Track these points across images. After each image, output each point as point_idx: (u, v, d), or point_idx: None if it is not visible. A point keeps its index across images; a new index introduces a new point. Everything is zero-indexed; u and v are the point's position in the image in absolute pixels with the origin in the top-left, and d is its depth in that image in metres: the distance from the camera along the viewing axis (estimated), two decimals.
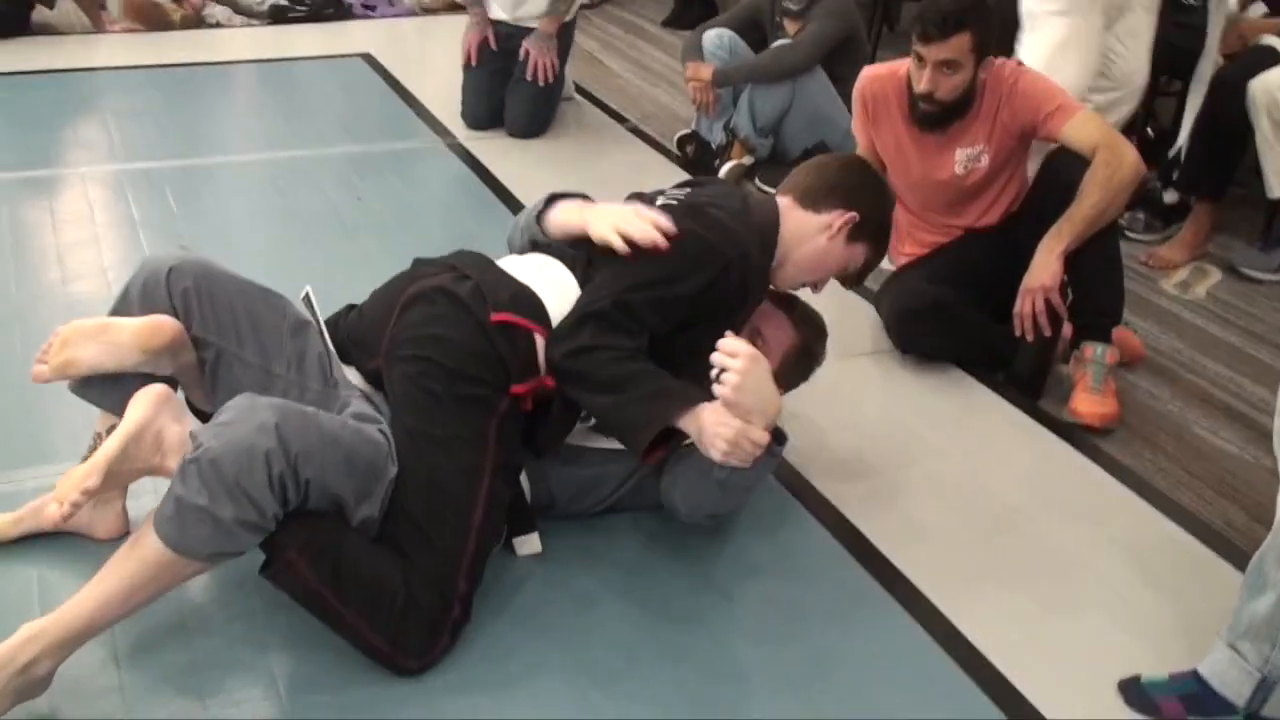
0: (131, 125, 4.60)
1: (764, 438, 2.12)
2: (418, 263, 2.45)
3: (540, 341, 2.25)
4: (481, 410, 2.20)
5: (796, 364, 2.63)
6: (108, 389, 2.23)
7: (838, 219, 2.48)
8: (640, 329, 2.26)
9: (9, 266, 3.42)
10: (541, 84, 4.62)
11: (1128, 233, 4.02)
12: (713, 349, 2.12)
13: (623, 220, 2.31)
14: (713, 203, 2.43)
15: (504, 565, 2.33)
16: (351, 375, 2.32)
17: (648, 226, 2.28)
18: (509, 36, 4.67)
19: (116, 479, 1.96)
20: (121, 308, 2.25)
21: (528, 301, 2.28)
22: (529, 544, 2.37)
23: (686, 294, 2.28)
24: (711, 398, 2.12)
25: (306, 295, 2.37)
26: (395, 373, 2.24)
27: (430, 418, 2.18)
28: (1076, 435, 2.91)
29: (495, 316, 2.22)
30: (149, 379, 2.18)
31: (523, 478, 2.36)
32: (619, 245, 2.27)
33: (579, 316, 2.24)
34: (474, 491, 2.15)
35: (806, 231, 2.49)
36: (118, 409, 2.17)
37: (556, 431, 2.35)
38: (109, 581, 1.92)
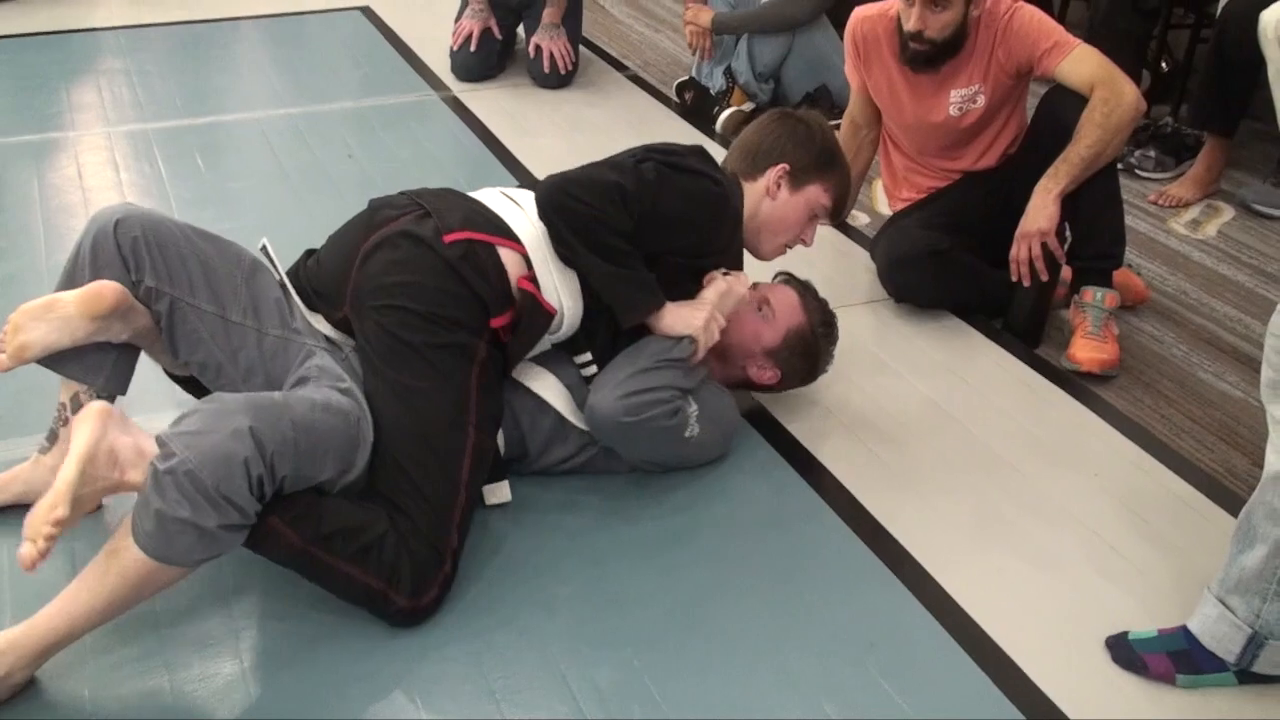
0: (125, 86, 4.55)
1: (723, 322, 2.42)
2: (374, 204, 2.41)
3: (507, 254, 2.28)
4: (463, 359, 2.20)
5: (801, 353, 2.59)
6: (68, 357, 2.17)
7: (771, 177, 2.55)
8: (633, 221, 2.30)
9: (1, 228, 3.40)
10: (562, 72, 4.54)
11: (1138, 171, 3.92)
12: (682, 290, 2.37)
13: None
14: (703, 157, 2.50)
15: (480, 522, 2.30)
16: (318, 323, 2.30)
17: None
18: None
19: (82, 504, 1.90)
20: (73, 267, 2.19)
21: (482, 219, 2.30)
22: (498, 493, 2.37)
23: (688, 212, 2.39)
24: None
25: (264, 247, 2.33)
26: (368, 324, 2.22)
27: (411, 369, 2.16)
28: (1074, 383, 2.83)
29: (447, 237, 2.23)
30: (107, 347, 2.17)
31: (530, 404, 2.38)
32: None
33: (596, 179, 2.29)
34: (461, 444, 2.15)
35: (755, 201, 2.56)
36: (81, 376, 2.18)
37: (521, 345, 2.33)
38: (88, 593, 1.88)
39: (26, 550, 1.79)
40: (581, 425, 2.38)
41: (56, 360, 2.17)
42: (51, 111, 4.32)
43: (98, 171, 3.81)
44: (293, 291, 2.28)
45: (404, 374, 2.16)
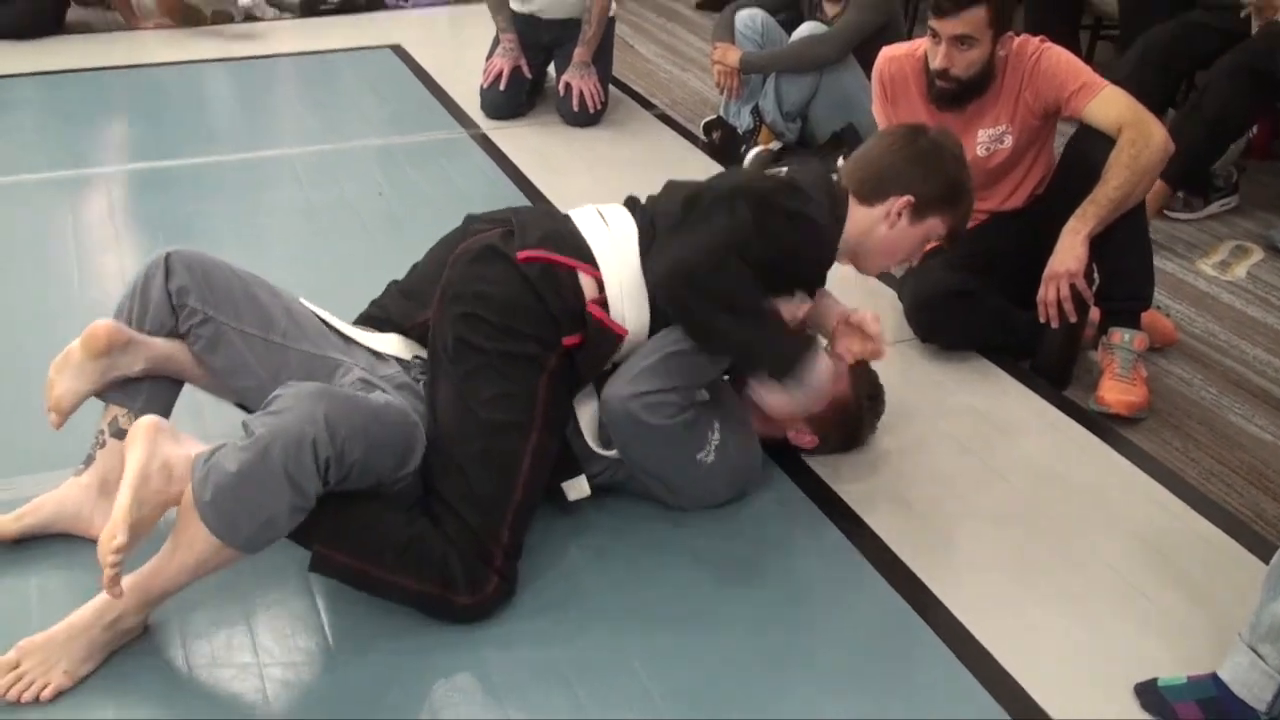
0: (158, 122, 4.60)
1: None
2: (469, 218, 2.50)
3: (585, 280, 2.31)
4: (531, 369, 2.25)
5: (841, 424, 2.62)
6: (105, 386, 2.28)
7: (893, 207, 2.48)
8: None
9: (27, 269, 3.43)
10: (591, 111, 4.57)
11: (1166, 212, 3.90)
12: None
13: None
14: (814, 185, 2.45)
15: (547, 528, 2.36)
16: (387, 344, 2.40)
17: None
18: (528, 27, 4.63)
19: (141, 526, 1.96)
20: (126, 302, 2.32)
21: (562, 240, 2.34)
22: (577, 488, 2.41)
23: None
24: None
25: (302, 306, 2.44)
26: (446, 327, 2.28)
27: (479, 374, 2.23)
28: (1103, 425, 2.82)
29: (521, 255, 2.27)
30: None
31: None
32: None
33: (697, 249, 2.27)
34: (521, 447, 2.21)
35: (868, 225, 2.51)
36: (120, 400, 2.30)
37: (591, 365, 2.37)
38: (177, 558, 1.98)
39: (103, 578, 1.90)
40: (603, 452, 2.40)
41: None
42: (85, 148, 4.38)
43: (129, 207, 3.85)
44: (336, 324, 2.40)
45: (472, 378, 2.23)
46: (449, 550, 2.11)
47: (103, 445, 2.29)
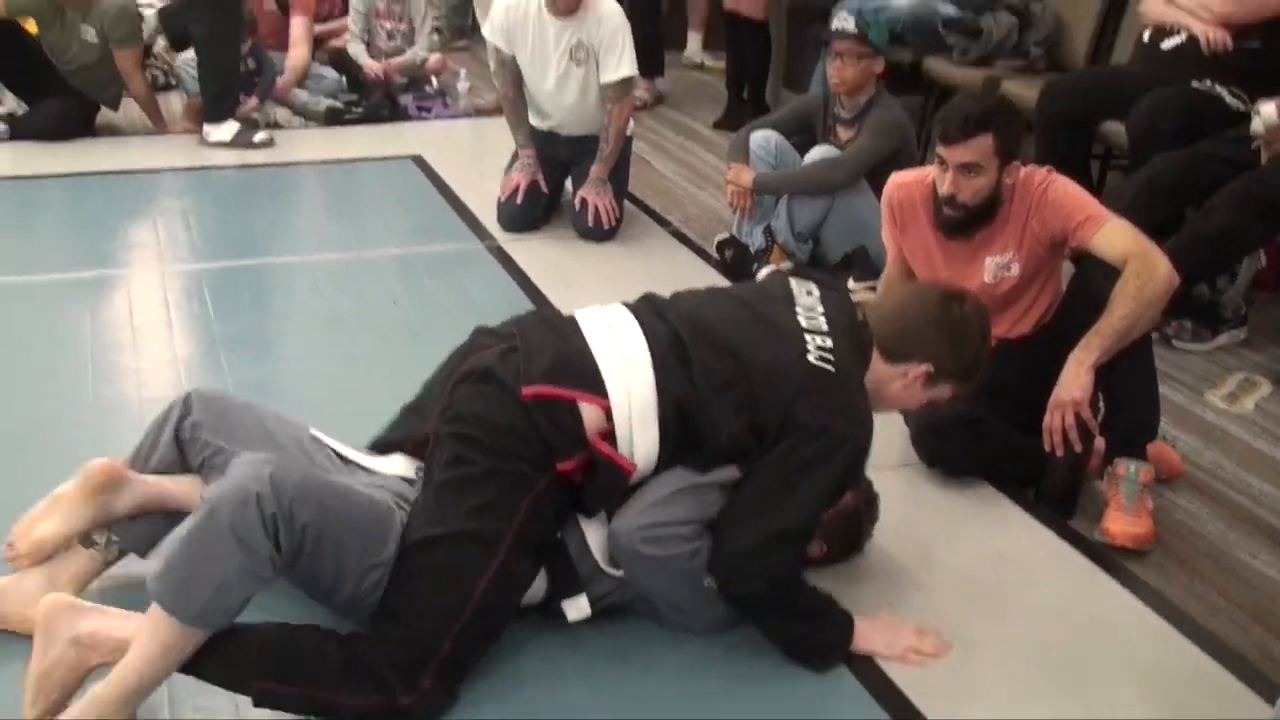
0: (180, 226, 4.69)
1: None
2: (477, 332, 2.49)
3: (585, 410, 2.26)
4: (518, 487, 2.22)
5: (843, 530, 2.64)
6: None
7: (912, 371, 2.48)
8: None
9: (41, 367, 3.47)
10: (606, 227, 4.64)
11: (1174, 342, 3.92)
12: None
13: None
14: (855, 374, 2.41)
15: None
16: (389, 463, 2.43)
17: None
18: (547, 143, 4.71)
19: (57, 708, 2.03)
20: (143, 439, 2.42)
21: (570, 369, 2.29)
22: (577, 607, 2.39)
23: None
24: None
25: (314, 436, 2.49)
26: (441, 446, 2.28)
27: (462, 486, 2.21)
28: (1107, 557, 2.80)
29: (526, 391, 2.23)
30: None
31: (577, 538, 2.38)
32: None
33: (775, 533, 2.27)
34: (484, 563, 2.17)
35: (885, 380, 2.50)
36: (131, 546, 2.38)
37: (599, 499, 2.36)
38: (142, 650, 1.98)
39: None
40: (613, 572, 2.39)
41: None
42: (108, 249, 4.45)
43: (148, 310, 3.90)
44: (346, 452, 2.45)
45: (452, 487, 2.22)
46: (378, 654, 2.11)
47: (67, 548, 2.34)
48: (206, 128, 5.68)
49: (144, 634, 1.99)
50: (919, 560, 2.76)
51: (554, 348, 2.33)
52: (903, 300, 2.63)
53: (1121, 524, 2.84)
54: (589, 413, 2.27)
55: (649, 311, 2.43)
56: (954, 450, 3.05)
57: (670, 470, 2.35)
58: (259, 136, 5.69)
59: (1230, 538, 2.92)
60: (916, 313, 2.52)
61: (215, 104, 5.64)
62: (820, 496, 2.33)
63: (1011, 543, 2.86)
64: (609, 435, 2.28)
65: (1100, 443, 3.00)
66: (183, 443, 2.37)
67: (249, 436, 2.35)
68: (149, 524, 2.36)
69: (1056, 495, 2.99)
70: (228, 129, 5.65)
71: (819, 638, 2.38)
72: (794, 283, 2.52)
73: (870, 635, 2.40)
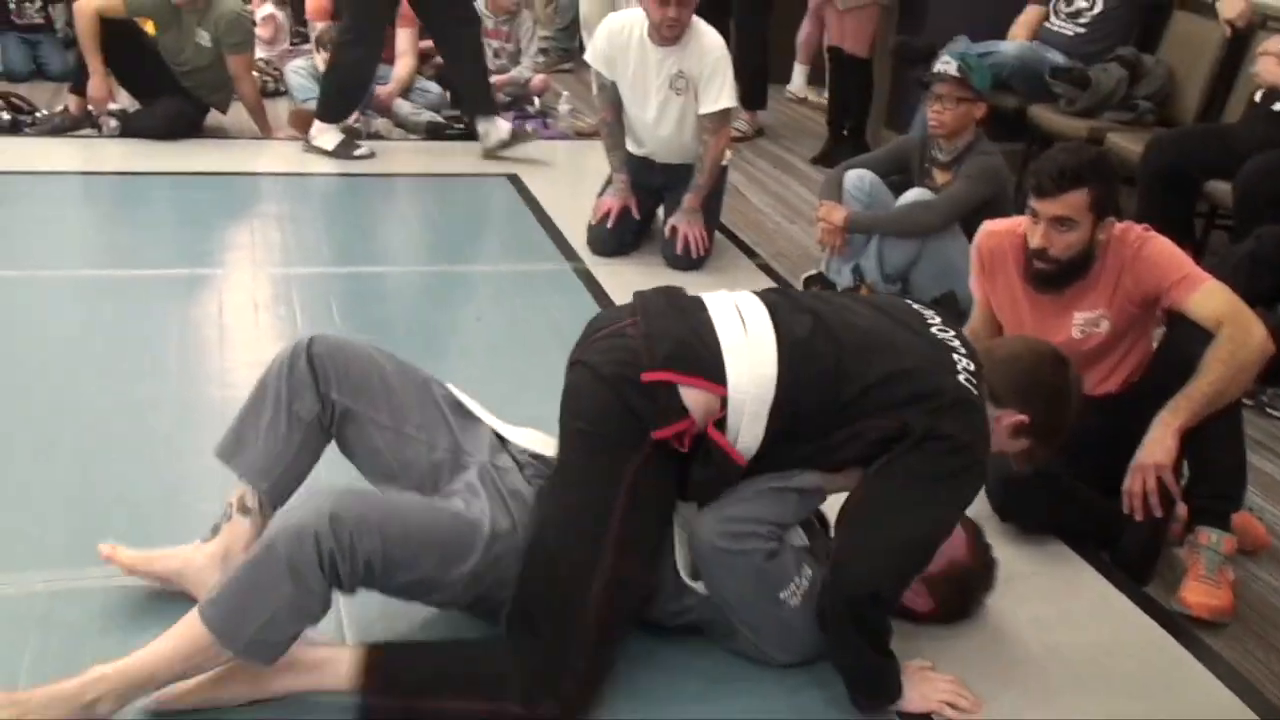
0: (276, 231, 4.77)
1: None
2: (598, 316, 2.50)
3: (699, 395, 2.24)
4: (618, 457, 2.23)
5: (958, 589, 2.60)
6: (244, 451, 2.42)
7: (1007, 418, 2.43)
8: None
9: (129, 360, 3.54)
10: (694, 256, 4.63)
11: (1269, 410, 3.81)
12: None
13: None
14: (982, 396, 2.37)
15: None
16: (525, 436, 2.48)
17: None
18: (641, 169, 4.72)
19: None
20: (263, 384, 2.43)
21: (693, 355, 2.26)
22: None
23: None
24: None
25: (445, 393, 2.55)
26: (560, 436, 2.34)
27: (564, 480, 2.28)
28: (1182, 627, 2.72)
29: (647, 376, 2.22)
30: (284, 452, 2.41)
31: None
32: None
33: (908, 537, 2.24)
34: (590, 561, 2.18)
35: None
36: (251, 477, 2.42)
37: (707, 492, 2.35)
38: (166, 649, 2.05)
39: None
40: (692, 584, 2.37)
41: (230, 454, 2.43)
42: (204, 248, 4.53)
43: (236, 311, 3.96)
44: (480, 414, 2.50)
45: (556, 484, 2.28)
46: (512, 658, 2.14)
47: (229, 519, 2.42)
48: (315, 125, 5.77)
49: (177, 637, 2.05)
50: (983, 616, 2.69)
51: (674, 333, 2.29)
52: (1018, 350, 2.57)
53: (1200, 594, 2.76)
54: (703, 398, 2.24)
55: (787, 305, 2.40)
56: (1030, 506, 2.99)
57: (752, 477, 2.35)
58: (360, 150, 5.77)
59: None
60: (1031, 365, 2.49)
61: (329, 102, 5.75)
62: (955, 511, 2.33)
63: (1082, 604, 2.79)
64: (721, 423, 2.27)
65: (1182, 509, 2.92)
66: (319, 392, 2.39)
67: (374, 397, 2.40)
68: (297, 473, 2.43)
69: (1133, 560, 2.91)
70: (332, 137, 5.74)
71: (883, 678, 2.33)
72: (917, 305, 2.53)
73: (905, 689, 2.36)
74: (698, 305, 2.39)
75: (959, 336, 2.44)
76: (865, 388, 2.27)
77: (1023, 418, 2.43)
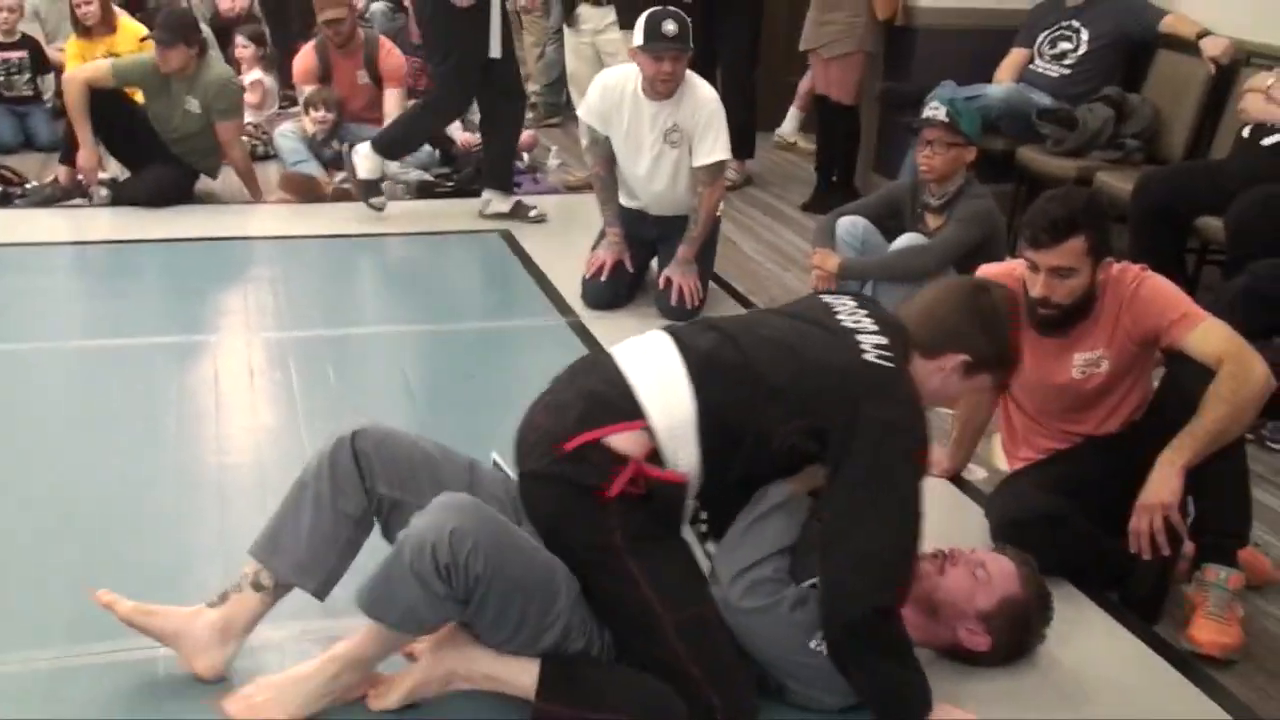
0: (269, 295, 4.76)
1: None
2: (520, 426, 2.49)
3: (625, 438, 2.29)
4: (599, 532, 2.28)
5: (1013, 625, 2.57)
6: (283, 551, 2.42)
7: (948, 362, 2.48)
8: None
9: (126, 430, 3.52)
10: (689, 307, 4.61)
11: (1270, 444, 3.81)
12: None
13: None
14: (908, 370, 2.42)
15: None
16: None
17: None
18: (635, 221, 4.73)
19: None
20: (311, 476, 2.41)
21: (603, 406, 2.32)
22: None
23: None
24: None
25: (495, 462, 2.63)
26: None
27: (573, 565, 2.32)
28: (1192, 664, 2.71)
29: (566, 447, 2.28)
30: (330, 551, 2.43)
31: None
32: None
33: (880, 546, 2.25)
34: (658, 624, 2.27)
35: (925, 375, 2.49)
36: (297, 580, 2.43)
37: (669, 520, 2.39)
38: (370, 631, 2.27)
39: None
40: None
41: (267, 555, 2.41)
42: (198, 316, 4.54)
43: (232, 377, 3.95)
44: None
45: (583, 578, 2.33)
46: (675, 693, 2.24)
47: (239, 590, 2.41)
48: (486, 194, 5.87)
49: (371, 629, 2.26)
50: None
51: (578, 395, 2.37)
52: (931, 297, 2.60)
53: (1209, 632, 2.74)
54: (629, 439, 2.29)
55: (692, 329, 2.49)
56: (1037, 547, 2.95)
57: (738, 517, 2.39)
58: (534, 212, 5.87)
59: None
60: (947, 306, 2.54)
61: (495, 172, 5.86)
62: (916, 492, 2.31)
63: (1093, 645, 2.77)
64: (656, 454, 2.30)
65: (1189, 547, 2.91)
66: (365, 488, 2.40)
67: (420, 485, 2.39)
68: (341, 569, 2.43)
69: (1142, 599, 2.90)
70: (506, 200, 5.84)
71: (913, 693, 2.31)
72: (826, 296, 2.59)
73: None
74: (603, 358, 2.47)
75: (871, 315, 2.46)
76: (776, 390, 2.32)
77: (963, 356, 2.46)
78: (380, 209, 5.75)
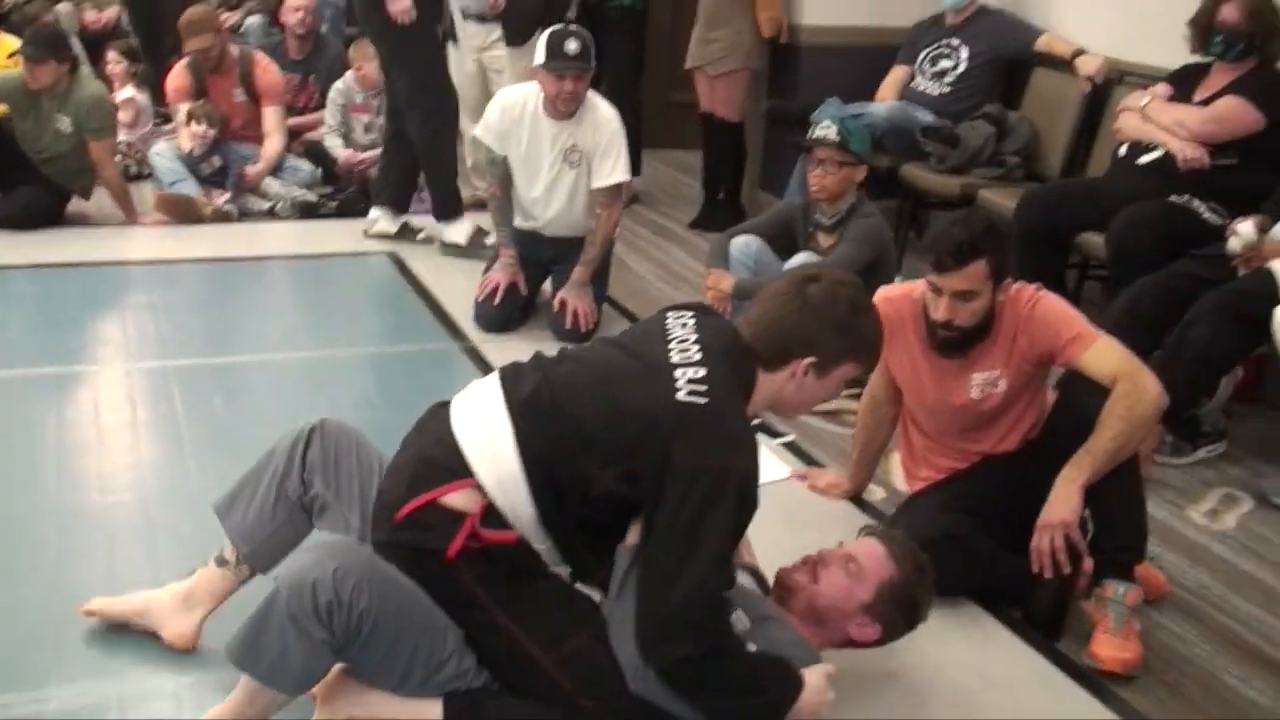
0: (149, 322, 4.63)
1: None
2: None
3: (458, 497, 2.24)
4: (458, 588, 2.25)
5: (899, 605, 2.54)
6: (235, 512, 2.54)
7: (797, 367, 2.40)
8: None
9: (4, 467, 3.38)
10: (583, 330, 4.56)
11: (1155, 457, 3.89)
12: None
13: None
14: (731, 398, 2.31)
15: None
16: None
17: None
18: (530, 243, 4.68)
19: None
20: (277, 446, 2.54)
21: (431, 469, 2.28)
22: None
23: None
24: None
25: None
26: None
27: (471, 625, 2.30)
28: (1095, 680, 2.75)
29: (400, 516, 2.25)
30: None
31: None
32: None
33: (689, 587, 2.15)
34: (538, 671, 2.26)
35: (776, 389, 2.43)
36: (236, 540, 2.54)
37: (527, 572, 2.33)
38: (241, 692, 2.23)
39: None
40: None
41: (223, 511, 2.55)
42: (74, 345, 4.39)
43: (114, 408, 3.82)
44: None
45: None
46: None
47: (205, 565, 2.56)
48: (438, 226, 5.63)
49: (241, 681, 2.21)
50: (901, 679, 2.69)
51: (410, 460, 2.35)
52: (759, 308, 2.49)
53: (1109, 648, 2.78)
54: (462, 497, 2.24)
55: (519, 369, 2.41)
56: (940, 568, 2.97)
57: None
58: (421, 235, 5.69)
59: (1218, 662, 2.87)
60: (775, 312, 2.43)
61: (444, 202, 5.61)
62: (723, 539, 2.21)
63: (997, 664, 2.80)
64: (490, 509, 2.24)
65: (1087, 564, 2.96)
66: (305, 462, 2.48)
67: (352, 498, 2.45)
68: (278, 543, 2.51)
69: (1044, 617, 2.94)
70: (462, 229, 5.59)
71: (763, 711, 2.29)
72: (670, 317, 2.46)
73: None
74: (441, 413, 2.39)
75: (701, 340, 2.34)
76: (589, 437, 2.25)
77: (809, 358, 2.39)
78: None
